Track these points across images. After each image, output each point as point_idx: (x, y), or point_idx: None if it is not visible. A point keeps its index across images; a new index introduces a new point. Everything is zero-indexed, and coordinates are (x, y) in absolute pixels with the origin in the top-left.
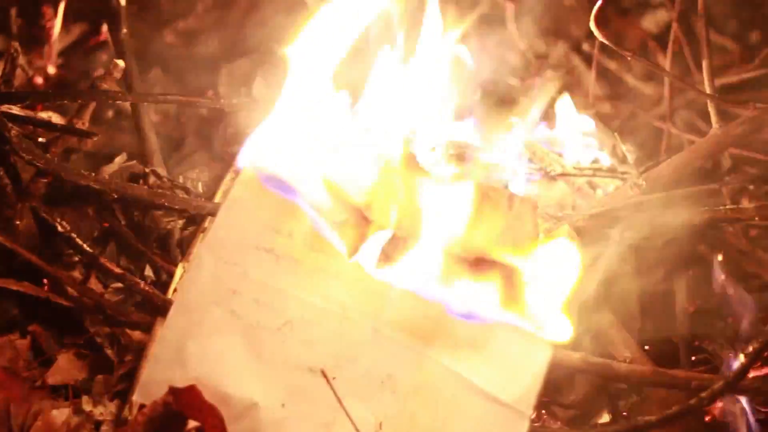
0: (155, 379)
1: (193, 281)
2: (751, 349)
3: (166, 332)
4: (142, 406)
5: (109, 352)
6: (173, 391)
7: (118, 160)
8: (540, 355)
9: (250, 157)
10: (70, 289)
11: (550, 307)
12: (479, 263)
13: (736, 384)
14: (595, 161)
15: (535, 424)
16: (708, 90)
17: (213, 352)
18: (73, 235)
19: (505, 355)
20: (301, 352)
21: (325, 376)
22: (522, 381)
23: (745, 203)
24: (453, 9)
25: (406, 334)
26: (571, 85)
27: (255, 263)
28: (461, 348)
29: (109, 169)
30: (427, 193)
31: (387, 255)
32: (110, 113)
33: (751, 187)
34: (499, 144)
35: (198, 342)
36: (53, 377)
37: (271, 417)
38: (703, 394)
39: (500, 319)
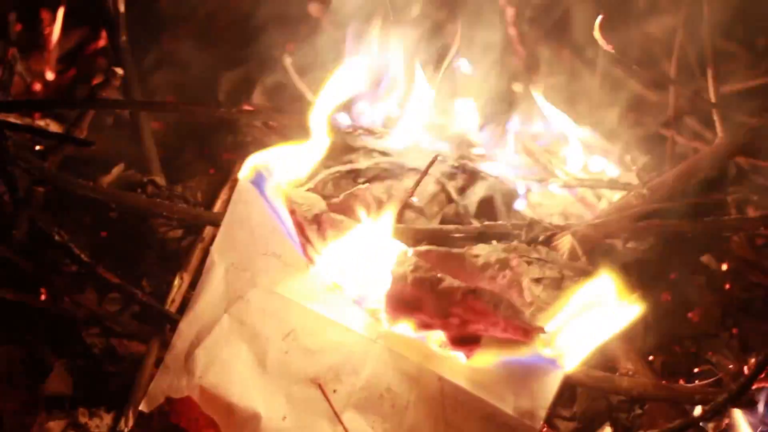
0: (163, 388)
1: (205, 287)
2: (754, 361)
3: (177, 340)
4: (141, 416)
5: (105, 362)
6: (169, 401)
7: (116, 169)
8: (552, 370)
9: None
10: (66, 299)
11: (569, 339)
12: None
13: (739, 397)
14: (601, 171)
15: None
16: (713, 98)
17: (219, 361)
18: (71, 244)
19: (513, 369)
20: (304, 362)
21: (322, 389)
22: (531, 395)
23: (751, 212)
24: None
25: (407, 348)
26: (574, 92)
27: (263, 269)
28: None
29: (107, 179)
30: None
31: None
32: (109, 121)
33: (756, 197)
34: (501, 153)
35: (206, 349)
36: (49, 388)
37: (273, 429)
38: (706, 408)
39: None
